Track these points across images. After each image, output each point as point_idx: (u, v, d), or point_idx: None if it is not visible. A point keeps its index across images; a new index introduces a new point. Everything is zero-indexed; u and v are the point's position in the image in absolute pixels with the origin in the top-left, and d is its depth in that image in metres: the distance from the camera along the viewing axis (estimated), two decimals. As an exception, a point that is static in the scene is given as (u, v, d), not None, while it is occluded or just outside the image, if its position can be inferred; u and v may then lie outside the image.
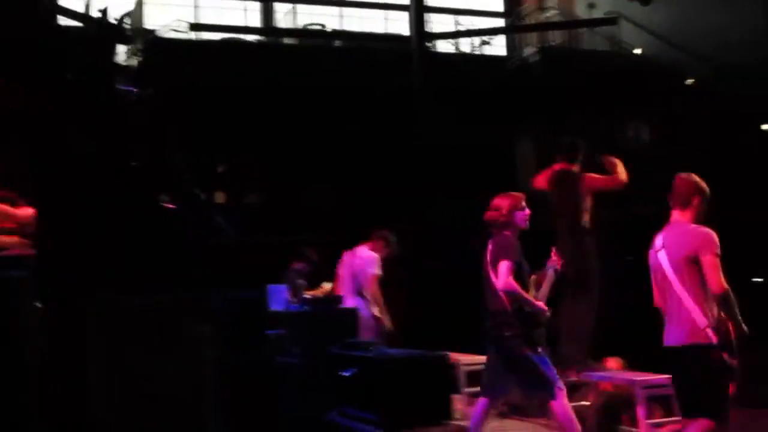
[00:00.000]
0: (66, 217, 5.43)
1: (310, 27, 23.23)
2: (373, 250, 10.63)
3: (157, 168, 5.52)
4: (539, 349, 7.48)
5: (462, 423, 7.80)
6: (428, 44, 20.34)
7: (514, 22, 25.21)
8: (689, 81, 20.12)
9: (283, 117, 18.40)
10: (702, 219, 6.54)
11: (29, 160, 5.54)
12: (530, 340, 7.44)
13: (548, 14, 24.55)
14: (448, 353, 6.43)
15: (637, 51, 22.44)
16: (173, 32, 20.73)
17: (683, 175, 6.70)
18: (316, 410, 6.82)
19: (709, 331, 6.24)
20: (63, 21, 12.19)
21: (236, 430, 6.14)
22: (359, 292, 9.70)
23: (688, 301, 6.29)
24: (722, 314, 6.32)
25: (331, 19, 23.71)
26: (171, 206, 5.65)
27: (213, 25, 21.81)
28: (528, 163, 19.97)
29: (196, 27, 21.07)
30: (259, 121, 18.26)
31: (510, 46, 24.87)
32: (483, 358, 10.96)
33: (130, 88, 5.74)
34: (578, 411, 9.38)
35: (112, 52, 6.41)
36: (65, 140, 5.54)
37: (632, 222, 8.36)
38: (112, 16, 6.53)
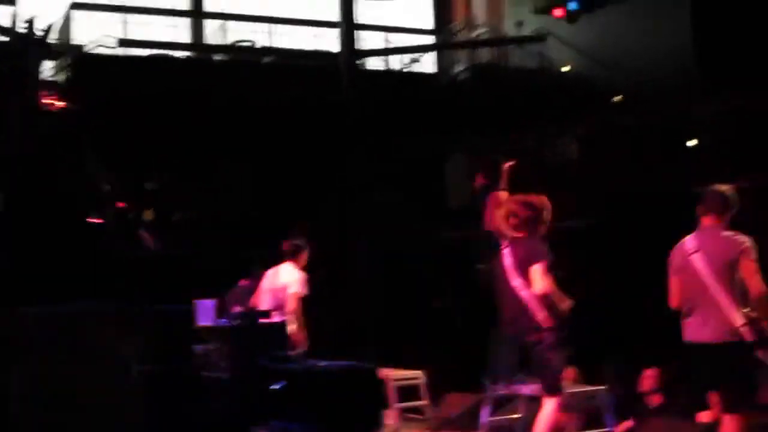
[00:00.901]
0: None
1: (239, 43, 23.16)
2: (296, 266, 10.43)
3: (83, 182, 5.43)
4: (566, 350, 7.66)
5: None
6: (358, 61, 20.36)
7: (444, 40, 25.35)
8: (616, 98, 20.34)
9: (212, 133, 18.26)
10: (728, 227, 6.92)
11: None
12: (560, 342, 7.59)
13: (477, 32, 24.71)
14: (377, 366, 6.42)
15: (565, 68, 22.66)
16: (101, 48, 20.54)
17: (722, 187, 7.06)
18: (245, 424, 6.74)
19: (744, 330, 6.59)
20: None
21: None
22: (278, 309, 9.59)
23: (726, 302, 6.64)
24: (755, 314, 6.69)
25: (260, 35, 23.65)
26: (96, 220, 5.55)
27: (142, 40, 21.67)
28: (458, 181, 20.03)
29: (124, 42, 20.92)
30: (188, 137, 18.10)
31: (440, 63, 24.99)
32: (413, 373, 11.06)
33: (55, 102, 5.65)
34: (508, 424, 9.46)
35: (36, 65, 6.29)
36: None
37: (560, 237, 8.37)
38: (38, 30, 6.41)
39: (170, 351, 7.12)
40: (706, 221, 6.95)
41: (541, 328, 7.61)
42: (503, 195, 8.89)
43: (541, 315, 7.61)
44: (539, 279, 7.55)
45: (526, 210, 7.90)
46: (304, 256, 10.59)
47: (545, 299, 7.59)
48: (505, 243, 8.00)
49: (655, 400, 9.90)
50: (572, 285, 7.96)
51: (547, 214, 7.93)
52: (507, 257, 7.88)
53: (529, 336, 7.68)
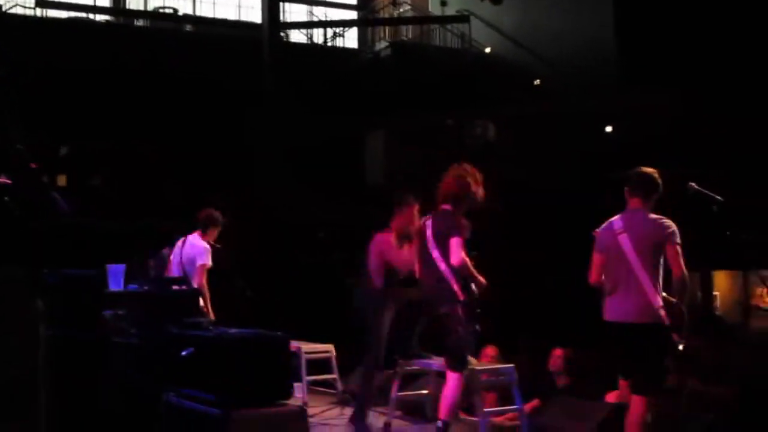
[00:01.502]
0: None
1: (161, 10, 22.89)
2: (202, 237, 10.35)
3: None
4: (477, 327, 7.68)
5: (299, 404, 7.77)
6: (281, 33, 20.25)
7: (368, 16, 25.33)
8: (536, 81, 20.51)
9: (130, 100, 18.03)
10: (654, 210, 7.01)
11: None
12: (471, 315, 7.62)
13: (401, 10, 24.74)
14: (287, 336, 6.39)
15: (487, 50, 22.78)
16: (19, 8, 20.16)
17: (648, 169, 7.10)
18: (154, 391, 6.67)
19: (662, 312, 6.69)
20: None
21: (68, 410, 5.94)
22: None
23: (647, 283, 6.73)
24: (674, 297, 6.80)
25: (183, 3, 23.40)
26: (4, 180, 5.37)
27: (60, 2, 21.26)
28: (376, 157, 20.06)
29: (42, 3, 20.52)
30: (104, 103, 17.84)
31: (362, 39, 24.98)
32: (323, 347, 11.04)
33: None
34: (416, 400, 9.51)
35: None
36: None
37: (477, 218, 8.42)
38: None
39: (78, 316, 7.01)
40: (633, 203, 7.04)
41: (455, 300, 7.67)
42: (392, 238, 8.88)
43: (455, 287, 7.68)
44: (456, 252, 7.62)
45: (454, 184, 7.95)
46: (215, 231, 10.49)
47: (460, 271, 7.65)
48: (427, 215, 8.08)
49: (563, 380, 10.01)
50: (488, 265, 8.01)
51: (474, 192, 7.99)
52: (428, 228, 7.95)
53: (442, 307, 7.74)
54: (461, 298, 7.66)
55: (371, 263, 8.90)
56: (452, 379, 7.78)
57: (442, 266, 7.74)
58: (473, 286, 7.72)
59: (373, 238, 8.94)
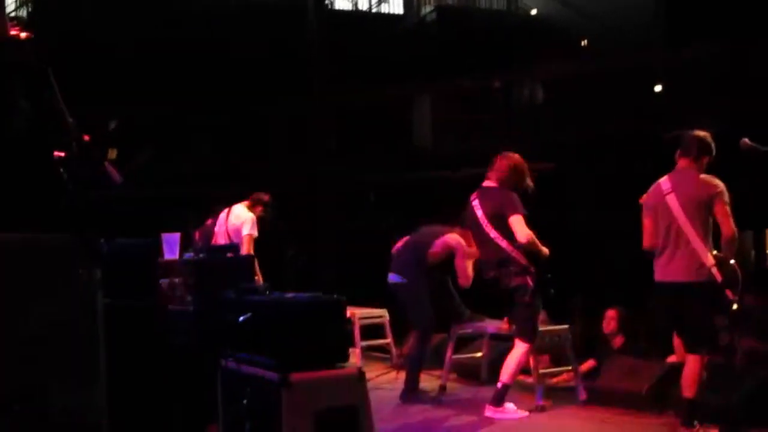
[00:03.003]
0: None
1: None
2: (249, 209, 10.36)
3: (44, 113, 5.30)
4: (552, 291, 7.83)
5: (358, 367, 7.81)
6: (325, 0, 20.21)
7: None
8: (583, 42, 20.33)
9: (178, 70, 18.08)
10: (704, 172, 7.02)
11: None
12: (543, 283, 7.66)
13: (446, -27, 24.59)
14: (344, 299, 6.41)
15: (533, 11, 22.60)
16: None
17: (700, 132, 7.10)
18: (211, 357, 6.73)
19: (715, 270, 6.74)
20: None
21: (126, 378, 6.02)
22: None
23: (697, 242, 6.78)
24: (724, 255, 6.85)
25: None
26: (59, 153, 5.45)
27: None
28: (423, 120, 20.04)
29: (87, -23, 20.57)
30: (153, 74, 17.91)
31: (408, 4, 24.84)
32: (377, 311, 11.07)
33: (20, 33, 5.50)
34: (470, 363, 9.54)
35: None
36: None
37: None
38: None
39: (135, 285, 7.07)
40: (682, 163, 7.03)
41: (526, 272, 7.69)
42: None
43: (524, 261, 7.70)
44: (521, 229, 7.65)
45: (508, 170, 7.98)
46: (260, 211, 10.48)
47: (528, 247, 7.68)
48: (473, 194, 8.08)
49: (618, 341, 9.98)
50: (541, 229, 8.00)
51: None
52: (477, 209, 7.95)
53: (512, 281, 7.76)
54: (532, 269, 7.69)
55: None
56: (520, 347, 7.83)
57: (504, 244, 7.77)
58: (540, 255, 7.74)
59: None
